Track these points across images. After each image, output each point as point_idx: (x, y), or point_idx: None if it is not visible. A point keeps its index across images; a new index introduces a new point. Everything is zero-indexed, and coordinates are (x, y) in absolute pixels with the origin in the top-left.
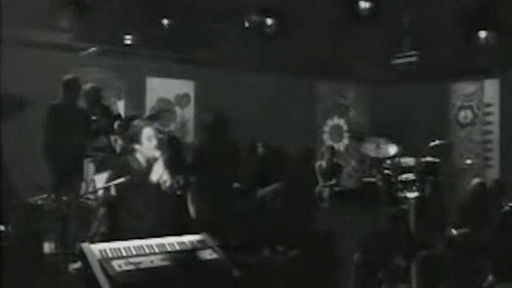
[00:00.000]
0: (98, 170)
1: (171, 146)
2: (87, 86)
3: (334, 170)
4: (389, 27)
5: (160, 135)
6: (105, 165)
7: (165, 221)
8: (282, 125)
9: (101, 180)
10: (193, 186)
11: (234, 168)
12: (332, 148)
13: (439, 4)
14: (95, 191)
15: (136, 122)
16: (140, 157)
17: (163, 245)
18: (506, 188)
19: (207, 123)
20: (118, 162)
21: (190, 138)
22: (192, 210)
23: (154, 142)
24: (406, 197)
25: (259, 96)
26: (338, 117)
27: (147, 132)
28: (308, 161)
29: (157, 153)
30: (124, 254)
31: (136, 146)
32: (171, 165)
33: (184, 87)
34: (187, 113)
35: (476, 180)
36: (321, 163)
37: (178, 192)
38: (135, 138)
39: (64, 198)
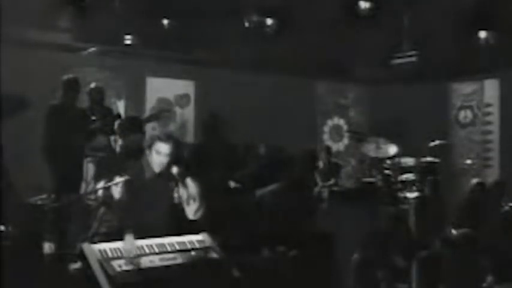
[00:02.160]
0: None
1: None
2: (91, 86)
3: (332, 170)
4: (389, 27)
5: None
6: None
7: (166, 222)
8: (282, 125)
9: None
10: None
11: (231, 169)
12: (328, 148)
13: (439, 4)
14: (95, 191)
15: (156, 132)
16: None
17: (163, 245)
18: (506, 188)
19: (204, 124)
20: (133, 164)
21: (190, 138)
22: (187, 210)
23: (162, 159)
24: (406, 197)
25: (259, 96)
26: (338, 117)
27: (161, 147)
28: (310, 163)
29: (159, 169)
30: (124, 254)
31: (147, 152)
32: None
33: (184, 87)
34: (187, 113)
35: (475, 180)
36: (319, 163)
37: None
38: (147, 146)
39: (64, 198)
